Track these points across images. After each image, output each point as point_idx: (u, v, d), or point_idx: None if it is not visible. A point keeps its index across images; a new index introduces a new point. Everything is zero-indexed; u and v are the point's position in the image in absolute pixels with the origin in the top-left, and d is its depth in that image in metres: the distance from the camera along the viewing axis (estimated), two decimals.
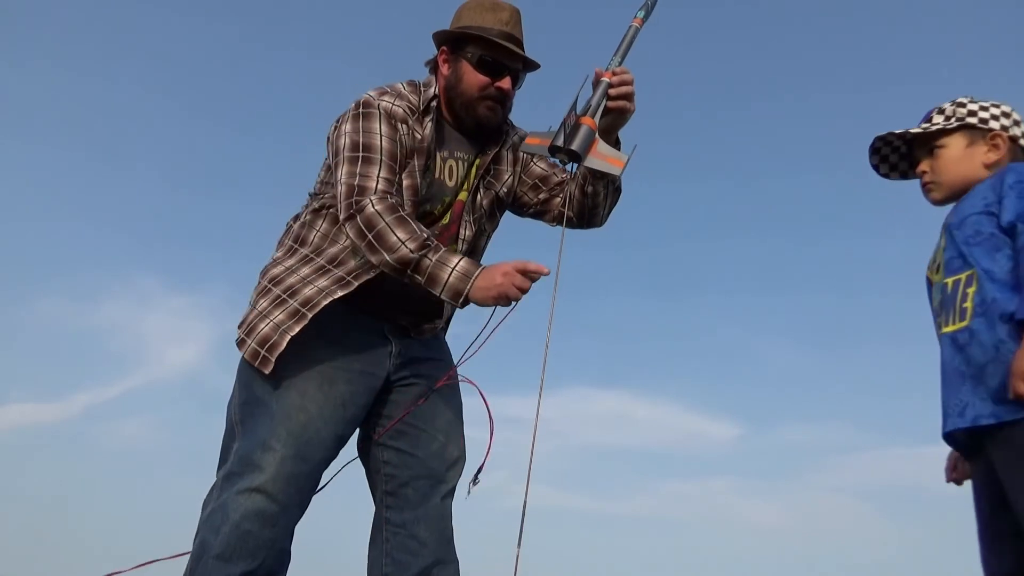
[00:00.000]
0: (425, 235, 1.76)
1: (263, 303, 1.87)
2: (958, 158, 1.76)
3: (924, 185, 1.81)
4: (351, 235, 1.80)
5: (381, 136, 1.86)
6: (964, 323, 1.59)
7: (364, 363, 1.92)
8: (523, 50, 1.98)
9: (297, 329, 1.78)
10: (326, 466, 1.86)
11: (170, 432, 6.57)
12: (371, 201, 1.78)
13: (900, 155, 1.88)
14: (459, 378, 1.96)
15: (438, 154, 1.97)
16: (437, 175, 1.97)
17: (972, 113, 1.76)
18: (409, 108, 1.93)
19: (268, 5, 7.65)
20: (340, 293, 1.83)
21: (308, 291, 1.84)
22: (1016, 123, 1.76)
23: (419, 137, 1.92)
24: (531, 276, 1.71)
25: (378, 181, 1.82)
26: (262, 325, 1.82)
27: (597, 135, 1.86)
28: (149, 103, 7.29)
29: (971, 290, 1.59)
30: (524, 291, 1.71)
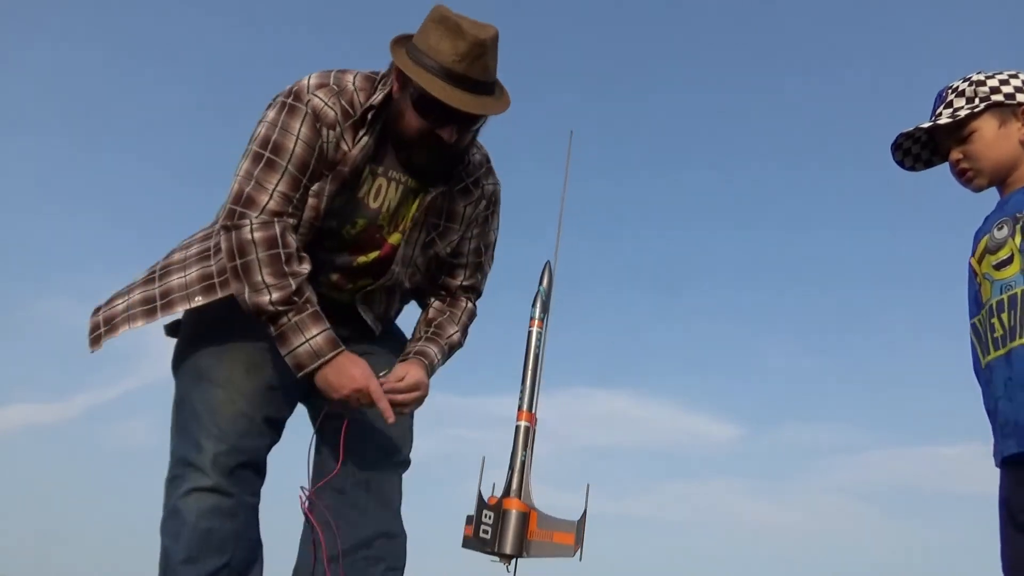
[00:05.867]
0: (293, 287, 1.57)
1: (139, 282, 1.75)
2: (993, 140, 1.67)
3: (962, 174, 1.72)
4: (222, 246, 1.61)
5: (297, 139, 1.61)
6: None
7: None
8: (488, 90, 1.62)
9: (141, 323, 1.68)
10: (268, 451, 1.73)
11: None
12: (251, 223, 1.58)
13: (922, 144, 1.79)
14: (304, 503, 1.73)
15: (368, 167, 1.68)
16: (359, 193, 1.69)
17: (995, 90, 1.67)
18: (344, 111, 1.63)
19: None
20: (200, 300, 1.65)
21: (175, 280, 1.70)
22: None
23: (344, 149, 1.63)
24: (380, 405, 1.60)
25: (272, 196, 1.60)
26: (118, 302, 1.73)
27: (531, 511, 1.71)
28: (158, 97, 7.28)
29: None
30: (363, 407, 1.63)
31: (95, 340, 1.69)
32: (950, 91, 1.73)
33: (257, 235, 1.58)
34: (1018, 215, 1.61)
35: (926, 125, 1.71)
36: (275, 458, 1.75)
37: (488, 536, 1.67)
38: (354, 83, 1.66)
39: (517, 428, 1.87)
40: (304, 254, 1.64)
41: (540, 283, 2.08)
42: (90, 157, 7.16)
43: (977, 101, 1.68)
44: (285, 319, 1.57)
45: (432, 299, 1.90)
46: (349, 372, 1.59)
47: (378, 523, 1.75)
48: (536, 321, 2.02)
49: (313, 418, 1.81)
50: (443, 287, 1.89)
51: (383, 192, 1.71)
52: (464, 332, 1.87)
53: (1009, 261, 1.60)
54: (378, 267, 1.75)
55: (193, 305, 1.65)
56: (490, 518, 1.69)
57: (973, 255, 1.72)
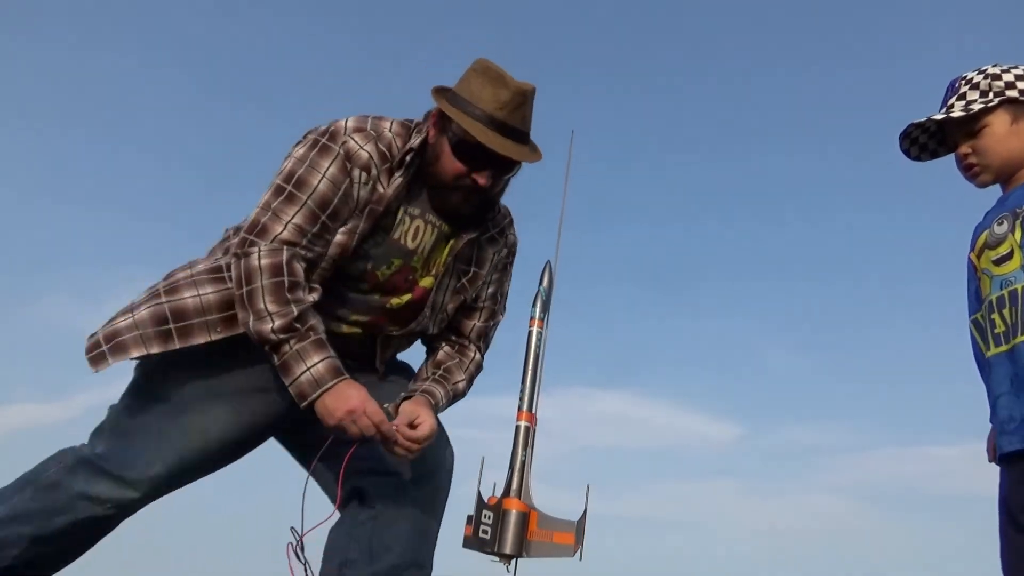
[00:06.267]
0: (295, 313, 1.55)
1: (141, 300, 1.66)
2: (1005, 136, 1.65)
3: (969, 168, 1.70)
4: (233, 273, 1.60)
5: (323, 177, 1.62)
6: None
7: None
8: (524, 140, 1.69)
9: (157, 349, 1.59)
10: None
11: None
12: (260, 250, 1.58)
13: (930, 134, 1.76)
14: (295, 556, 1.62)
15: (404, 209, 1.70)
16: (396, 235, 1.70)
17: (1010, 85, 1.64)
18: (381, 155, 1.66)
19: None
20: (221, 333, 1.61)
21: (189, 299, 1.62)
22: None
23: (380, 191, 1.65)
24: (381, 432, 1.56)
25: (287, 226, 1.60)
26: (121, 320, 1.63)
27: (531, 511, 1.69)
28: (160, 96, 7.28)
29: None
30: (365, 436, 1.56)
31: (97, 358, 1.59)
32: (963, 82, 1.70)
33: (264, 262, 1.57)
34: (1018, 210, 1.60)
35: (939, 117, 1.68)
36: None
37: (488, 536, 1.66)
38: (391, 129, 1.69)
39: (517, 428, 1.87)
40: (315, 285, 1.63)
41: (540, 283, 2.08)
42: (91, 156, 7.17)
43: (991, 96, 1.65)
44: (287, 347, 1.55)
45: (442, 343, 1.88)
46: (345, 394, 1.55)
47: (411, 551, 1.67)
48: (536, 321, 2.02)
49: (300, 458, 1.77)
50: (455, 331, 1.88)
51: (420, 233, 1.73)
52: (470, 383, 1.86)
53: (1009, 256, 1.59)
54: (409, 313, 1.75)
55: (214, 338, 1.60)
56: (490, 518, 1.69)
57: (972, 250, 1.71)
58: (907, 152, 1.77)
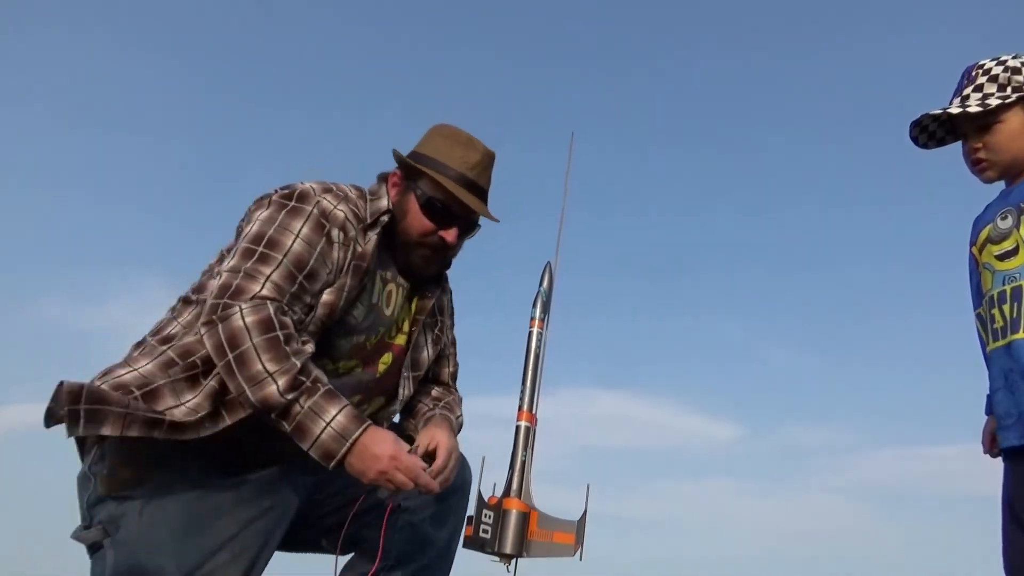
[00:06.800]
0: (299, 366, 1.41)
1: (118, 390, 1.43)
2: (1018, 134, 1.62)
3: (977, 163, 1.67)
4: (208, 346, 1.42)
5: (296, 237, 1.51)
6: None
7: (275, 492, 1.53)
8: (485, 201, 1.71)
9: (136, 433, 1.37)
10: None
11: None
12: (241, 309, 1.42)
13: (940, 123, 1.72)
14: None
15: (379, 274, 1.66)
16: (375, 299, 1.65)
17: None
18: (354, 214, 1.61)
19: None
20: (207, 429, 1.42)
21: (171, 401, 1.43)
22: None
23: (360, 250, 1.59)
24: (417, 485, 1.47)
25: (265, 284, 1.45)
26: (103, 382, 1.43)
27: (531, 511, 1.68)
28: (163, 95, 7.28)
29: None
30: (400, 489, 1.45)
31: (72, 419, 1.35)
32: (980, 71, 1.66)
33: (249, 320, 1.41)
34: (1022, 204, 1.59)
35: (955, 110, 1.64)
36: None
37: (488, 536, 1.66)
38: (351, 191, 1.66)
39: (517, 428, 1.87)
40: (305, 335, 1.50)
41: (541, 283, 2.08)
42: (91, 155, 7.17)
43: (1010, 91, 1.62)
44: (298, 407, 1.40)
45: (428, 386, 1.85)
46: (372, 451, 1.42)
47: (439, 554, 1.67)
48: (536, 321, 2.02)
49: (311, 541, 1.68)
50: (435, 380, 1.87)
51: (393, 297, 1.70)
52: (463, 415, 1.85)
53: (1014, 252, 1.58)
54: (392, 377, 1.70)
55: (202, 435, 1.42)
56: (490, 518, 1.69)
57: (974, 244, 1.69)
58: (915, 139, 1.74)
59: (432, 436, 1.60)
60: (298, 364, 1.41)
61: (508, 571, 1.69)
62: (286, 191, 1.58)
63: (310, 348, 1.50)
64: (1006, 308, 1.57)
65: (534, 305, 2.08)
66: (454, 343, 1.93)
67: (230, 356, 1.40)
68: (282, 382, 1.39)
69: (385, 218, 1.65)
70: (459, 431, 1.80)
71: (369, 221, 1.63)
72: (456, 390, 1.90)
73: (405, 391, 1.72)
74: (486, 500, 1.72)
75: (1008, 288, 1.57)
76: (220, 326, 1.41)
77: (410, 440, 1.62)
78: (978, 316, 1.69)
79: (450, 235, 1.66)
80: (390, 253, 1.69)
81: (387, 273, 1.69)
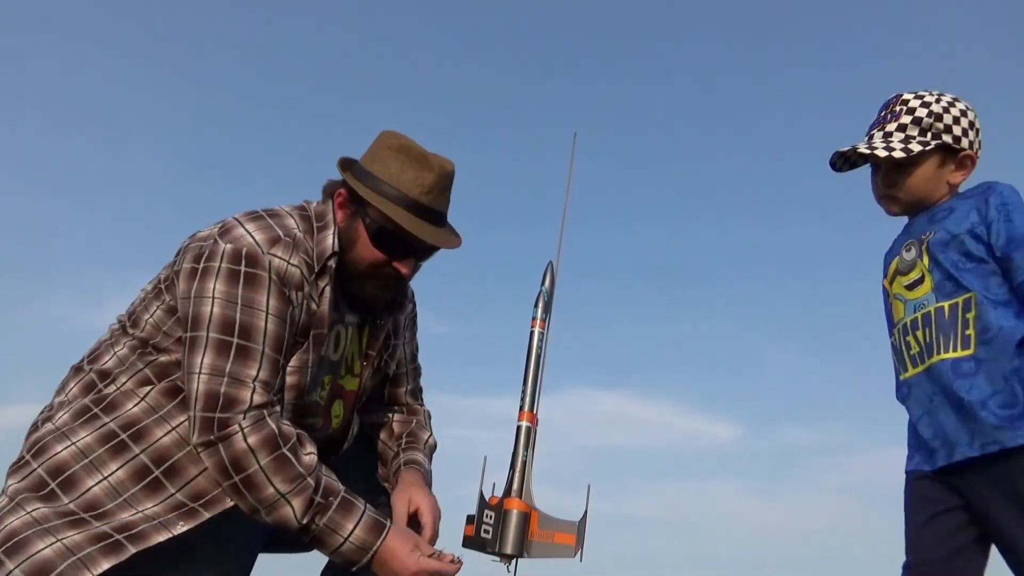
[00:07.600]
0: (312, 485, 1.36)
1: (39, 506, 1.30)
2: (929, 177, 1.69)
3: (883, 197, 1.76)
4: (208, 464, 1.35)
5: (267, 314, 1.37)
6: (969, 351, 1.54)
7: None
8: (443, 224, 1.55)
9: (106, 566, 1.26)
10: None
11: None
12: (241, 427, 1.33)
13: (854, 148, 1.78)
14: None
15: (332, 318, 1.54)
16: (323, 350, 1.53)
17: (948, 129, 1.66)
18: (308, 266, 1.43)
19: None
20: (182, 527, 1.35)
21: (126, 514, 1.33)
22: (976, 131, 1.69)
23: (314, 309, 1.45)
24: None
25: (255, 389, 1.35)
26: (39, 543, 1.26)
27: (532, 511, 1.67)
28: (162, 94, 7.28)
29: (971, 316, 1.55)
30: None
31: None
32: (903, 108, 1.70)
33: (252, 440, 1.34)
34: (923, 237, 1.66)
35: (882, 154, 1.67)
36: None
37: (489, 536, 1.66)
38: (296, 226, 1.47)
39: (518, 428, 1.87)
40: (302, 432, 1.44)
41: (542, 283, 2.08)
42: (91, 154, 7.17)
43: (929, 138, 1.66)
44: (315, 525, 1.38)
45: (386, 415, 1.80)
46: (391, 568, 1.41)
47: None
48: (538, 321, 2.02)
49: (296, 546, 1.62)
50: (391, 401, 1.80)
51: (341, 339, 1.58)
52: (432, 431, 1.83)
53: (920, 281, 1.65)
54: (346, 423, 1.65)
55: (176, 533, 1.34)
56: (491, 518, 1.69)
57: (885, 276, 1.76)
58: (833, 164, 1.79)
59: (409, 497, 1.60)
60: (312, 483, 1.36)
61: (508, 571, 1.70)
62: (232, 252, 1.39)
63: (313, 451, 1.42)
64: (919, 334, 1.64)
65: (535, 305, 2.08)
66: (414, 357, 1.84)
67: (236, 479, 1.34)
68: (297, 504, 1.35)
69: (332, 263, 1.48)
70: (432, 453, 1.77)
71: (317, 268, 1.46)
72: (420, 405, 1.83)
73: (354, 427, 1.68)
74: (487, 500, 1.72)
75: (919, 315, 1.64)
76: (220, 447, 1.33)
77: (385, 492, 1.64)
78: (892, 345, 1.75)
79: (404, 267, 1.52)
80: (338, 283, 1.52)
81: (334, 314, 1.53)
